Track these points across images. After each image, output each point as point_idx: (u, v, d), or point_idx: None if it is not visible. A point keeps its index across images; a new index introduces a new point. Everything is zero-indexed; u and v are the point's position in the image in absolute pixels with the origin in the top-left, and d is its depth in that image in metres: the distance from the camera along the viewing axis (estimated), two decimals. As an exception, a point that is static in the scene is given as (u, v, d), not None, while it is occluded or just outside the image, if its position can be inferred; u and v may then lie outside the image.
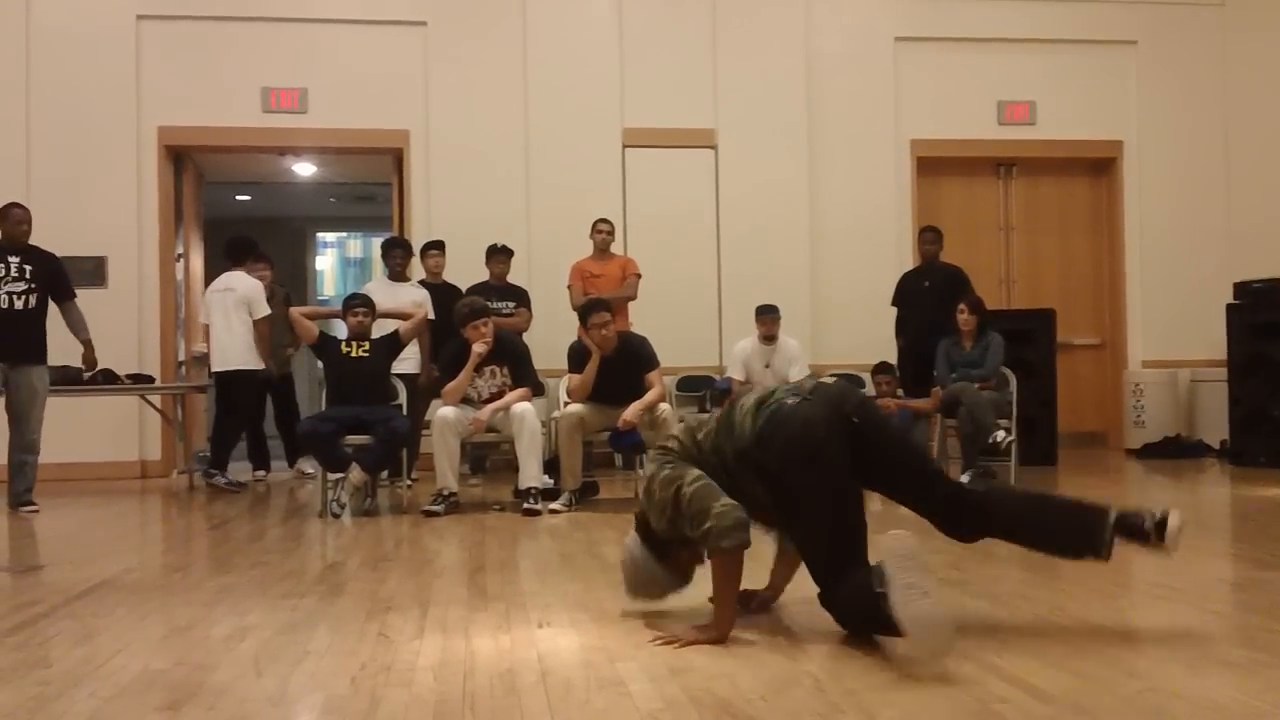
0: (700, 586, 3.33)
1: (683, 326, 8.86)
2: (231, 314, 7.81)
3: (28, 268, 6.58)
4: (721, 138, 9.27)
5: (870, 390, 7.70)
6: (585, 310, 6.44)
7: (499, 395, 6.43)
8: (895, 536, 2.84)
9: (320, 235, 15.72)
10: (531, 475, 6.26)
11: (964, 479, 6.91)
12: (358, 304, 6.80)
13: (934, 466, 3.42)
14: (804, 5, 9.40)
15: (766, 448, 3.11)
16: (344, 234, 15.87)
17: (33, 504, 6.55)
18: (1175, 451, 9.13)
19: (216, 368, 7.88)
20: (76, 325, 6.82)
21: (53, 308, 6.78)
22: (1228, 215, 9.84)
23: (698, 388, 8.91)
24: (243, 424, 8.09)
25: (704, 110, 9.25)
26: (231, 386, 7.84)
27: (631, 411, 6.16)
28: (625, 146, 9.17)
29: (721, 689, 2.63)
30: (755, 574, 3.41)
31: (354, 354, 6.62)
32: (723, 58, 9.26)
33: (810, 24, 9.42)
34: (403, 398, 6.89)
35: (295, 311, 6.84)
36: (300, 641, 3.18)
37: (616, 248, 8.43)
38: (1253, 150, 9.81)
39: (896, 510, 3.45)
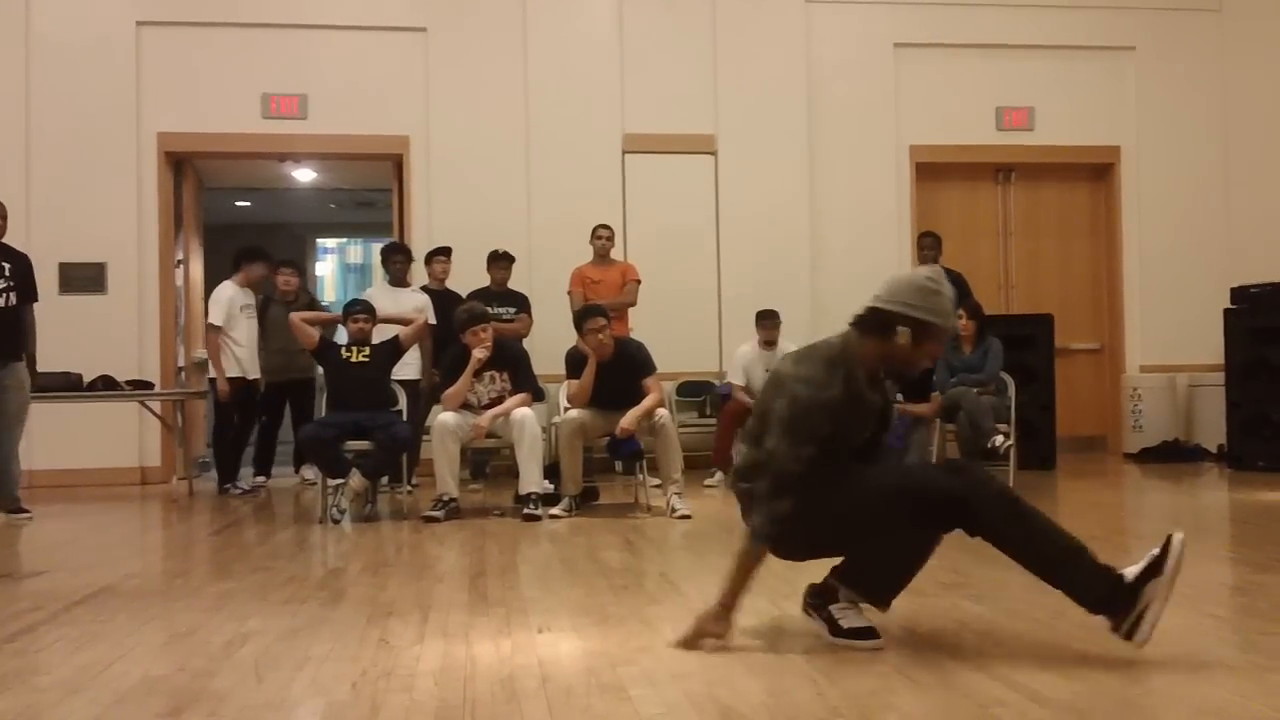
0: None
1: (683, 332, 8.87)
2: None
3: (6, 265, 6.46)
4: (722, 144, 9.28)
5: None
6: (580, 316, 6.45)
7: (499, 401, 6.44)
8: None
9: (320, 241, 15.75)
10: (532, 480, 6.26)
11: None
12: (358, 309, 6.81)
13: None
14: (804, 11, 9.42)
15: None
16: (344, 239, 15.90)
17: (25, 510, 6.52)
18: (1173, 456, 9.14)
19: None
20: (28, 331, 6.65)
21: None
22: (1226, 220, 9.86)
23: (698, 393, 8.93)
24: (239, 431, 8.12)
25: (704, 116, 9.27)
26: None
27: (629, 419, 6.16)
28: (625, 152, 9.19)
29: (722, 694, 2.63)
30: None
31: (354, 359, 6.63)
32: (723, 64, 9.28)
33: (810, 30, 9.44)
34: (403, 403, 6.90)
35: (295, 316, 6.85)
36: (301, 647, 3.19)
37: (616, 254, 8.44)
38: (1250, 156, 9.83)
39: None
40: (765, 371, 7.99)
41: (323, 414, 6.65)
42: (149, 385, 8.18)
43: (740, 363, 8.12)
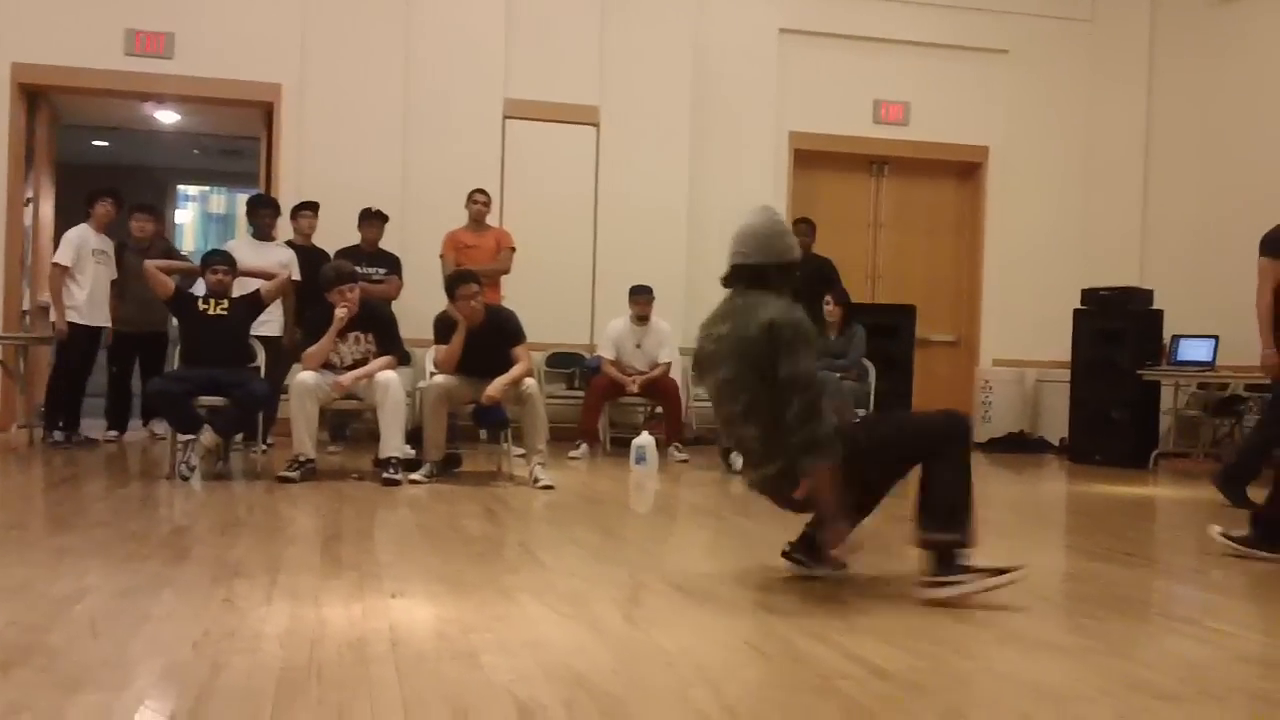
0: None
1: (556, 302, 8.84)
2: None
3: None
4: (605, 116, 9.25)
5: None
6: (453, 281, 6.36)
7: (362, 363, 6.32)
8: None
9: (182, 188, 15.18)
10: (393, 445, 6.17)
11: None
12: (218, 261, 6.58)
13: None
14: (692, -11, 9.44)
15: None
16: (207, 188, 15.36)
17: None
18: (1018, 447, 9.52)
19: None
20: None
21: None
22: (1082, 224, 10.26)
23: (567, 364, 8.92)
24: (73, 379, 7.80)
25: (589, 87, 9.22)
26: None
27: (495, 386, 6.11)
28: (506, 118, 9.08)
29: (575, 662, 2.64)
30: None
31: (212, 312, 6.41)
32: (610, 36, 9.24)
33: (698, 8, 9.47)
34: (262, 360, 6.71)
35: (150, 264, 6.59)
36: (141, 605, 3.08)
37: (493, 220, 8.35)
38: (1109, 163, 10.24)
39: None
40: (636, 346, 8.07)
41: (175, 367, 6.43)
42: (-11, 328, 7.79)
43: (611, 336, 8.14)
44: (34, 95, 8.84)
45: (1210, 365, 8.49)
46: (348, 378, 6.18)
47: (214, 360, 6.26)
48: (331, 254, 7.60)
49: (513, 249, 8.09)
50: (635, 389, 7.95)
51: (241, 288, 6.69)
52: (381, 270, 7.88)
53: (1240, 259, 8.94)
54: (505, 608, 3.19)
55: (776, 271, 3.56)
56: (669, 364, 8.09)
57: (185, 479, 5.90)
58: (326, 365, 6.26)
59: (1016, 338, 10.13)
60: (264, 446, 6.72)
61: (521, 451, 6.39)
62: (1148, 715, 2.37)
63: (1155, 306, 8.87)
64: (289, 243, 7.85)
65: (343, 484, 6.03)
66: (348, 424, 8.01)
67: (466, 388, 6.29)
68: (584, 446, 7.79)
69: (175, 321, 6.62)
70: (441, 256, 7.94)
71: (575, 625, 3.01)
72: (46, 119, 9.25)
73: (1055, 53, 10.21)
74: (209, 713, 2.22)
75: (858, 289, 9.30)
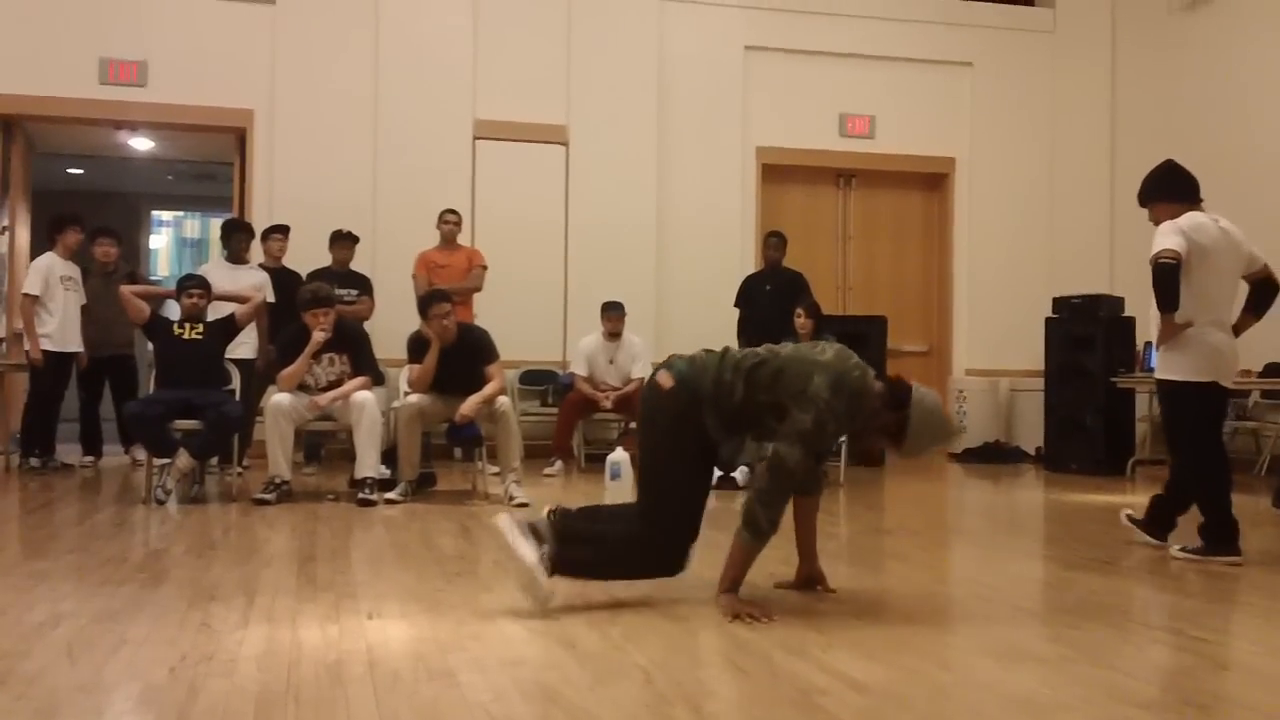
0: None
1: (528, 320, 8.85)
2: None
3: None
4: (573, 134, 9.29)
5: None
6: (425, 301, 6.38)
7: (337, 383, 6.32)
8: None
9: (156, 213, 15.10)
10: (368, 465, 6.17)
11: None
12: (193, 285, 6.59)
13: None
14: (658, 9, 9.50)
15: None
16: (181, 213, 15.28)
17: None
18: (994, 456, 9.57)
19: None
20: None
21: None
22: (1050, 233, 10.35)
23: (540, 382, 8.93)
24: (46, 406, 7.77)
25: (556, 106, 9.26)
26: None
27: (469, 405, 6.13)
28: (476, 138, 9.11)
29: (551, 680, 2.66)
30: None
31: (186, 336, 6.41)
32: (576, 55, 9.29)
33: (663, 27, 9.53)
34: (237, 383, 6.70)
35: (126, 289, 6.58)
36: (117, 630, 3.08)
37: (464, 239, 8.37)
38: (1075, 172, 10.35)
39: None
40: (609, 362, 8.10)
41: (151, 391, 6.41)
42: (-39, 355, 7.74)
43: (584, 353, 8.17)
44: (9, 124, 8.81)
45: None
46: (324, 398, 6.18)
47: (190, 383, 6.25)
48: (303, 275, 7.59)
49: (484, 267, 8.11)
50: (609, 405, 7.97)
51: (216, 311, 6.68)
52: (353, 291, 7.88)
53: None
54: (481, 626, 3.21)
55: (905, 420, 3.46)
56: (642, 379, 8.11)
57: (161, 503, 5.88)
58: (301, 386, 6.26)
59: (989, 347, 10.21)
60: (239, 469, 6.70)
61: (496, 469, 6.40)
62: (1122, 721, 2.40)
63: (1127, 314, 8.96)
64: (261, 265, 7.86)
65: (318, 505, 6.03)
66: (322, 445, 8.00)
67: (440, 406, 6.30)
68: (558, 463, 7.80)
69: (150, 345, 6.60)
70: (413, 276, 7.95)
71: (551, 643, 3.03)
72: (21, 147, 9.21)
73: (1019, 64, 10.32)
74: (187, 737, 2.23)
75: (828, 301, 9.34)
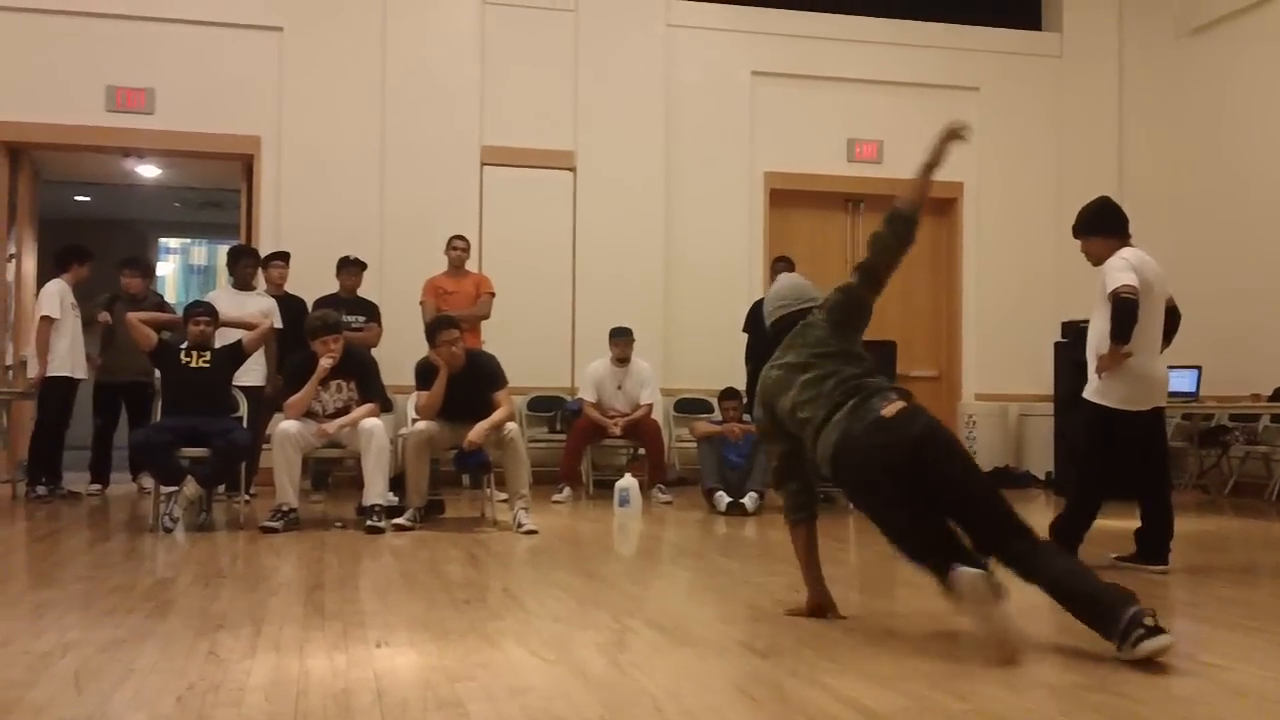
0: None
1: (536, 346, 8.85)
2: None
3: None
4: (580, 160, 9.32)
5: (717, 415, 7.82)
6: (433, 327, 6.38)
7: (345, 410, 6.32)
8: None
9: (164, 240, 15.18)
10: (376, 492, 6.15)
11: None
12: (200, 312, 6.60)
13: (1000, 506, 3.45)
14: (664, 36, 9.55)
15: (836, 470, 3.54)
16: (188, 240, 15.35)
17: None
18: (1004, 482, 9.50)
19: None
20: None
21: None
22: (1058, 257, 10.32)
23: (549, 408, 8.92)
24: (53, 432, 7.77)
25: (563, 132, 9.29)
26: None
27: (476, 432, 6.11)
28: (483, 164, 9.14)
29: (560, 709, 2.63)
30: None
31: (194, 364, 6.42)
32: (583, 81, 9.33)
33: (670, 53, 9.57)
34: (244, 410, 6.70)
35: (132, 316, 6.60)
36: (124, 659, 3.06)
37: (471, 265, 8.38)
38: (1082, 196, 10.12)
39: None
40: (617, 388, 8.09)
41: (159, 418, 6.41)
42: (-31, 384, 7.76)
43: (592, 379, 8.16)
44: (16, 152, 8.86)
45: (1194, 396, 8.54)
46: (332, 425, 6.18)
47: (197, 410, 6.26)
48: (308, 302, 7.60)
49: (492, 294, 8.11)
50: (617, 431, 7.96)
51: (223, 338, 6.69)
52: (361, 318, 7.88)
53: (1218, 287, 9.08)
54: (490, 654, 3.18)
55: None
56: (650, 405, 8.10)
57: (169, 531, 5.87)
58: (309, 414, 6.26)
59: (998, 371, 10.18)
60: (247, 496, 6.69)
61: (504, 496, 6.38)
62: (1133, 747, 2.37)
63: (1135, 338, 8.91)
64: (266, 291, 7.87)
65: (326, 533, 6.01)
66: (329, 472, 7.98)
67: (448, 433, 6.29)
68: (567, 490, 7.77)
69: (158, 373, 6.61)
70: (421, 303, 7.96)
71: (560, 670, 3.01)
72: (28, 175, 9.26)
73: (1026, 89, 10.34)
74: (193, 768, 2.21)
75: (837, 326, 9.34)
